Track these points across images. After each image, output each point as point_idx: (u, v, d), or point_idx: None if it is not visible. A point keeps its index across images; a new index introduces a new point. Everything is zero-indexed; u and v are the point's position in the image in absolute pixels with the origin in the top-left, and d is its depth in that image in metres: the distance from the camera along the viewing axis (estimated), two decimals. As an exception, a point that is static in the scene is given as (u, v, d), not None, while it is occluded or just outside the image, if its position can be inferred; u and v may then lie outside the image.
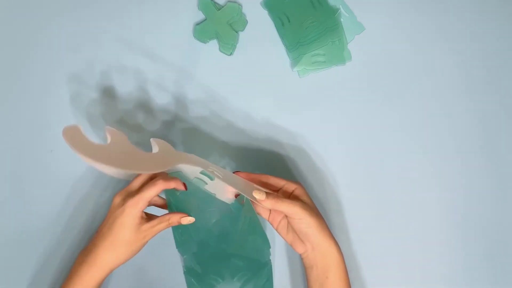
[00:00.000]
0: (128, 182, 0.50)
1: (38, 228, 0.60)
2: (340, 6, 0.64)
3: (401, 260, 0.62)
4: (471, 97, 0.65)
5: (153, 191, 0.48)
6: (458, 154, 0.64)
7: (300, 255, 0.52)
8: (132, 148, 0.49)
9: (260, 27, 0.65)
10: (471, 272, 0.62)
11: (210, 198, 0.53)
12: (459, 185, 0.63)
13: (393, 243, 0.62)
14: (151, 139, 0.52)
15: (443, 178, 0.63)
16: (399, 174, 0.63)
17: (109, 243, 0.48)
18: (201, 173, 0.51)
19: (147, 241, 0.49)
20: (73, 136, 0.44)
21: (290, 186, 0.53)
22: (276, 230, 0.54)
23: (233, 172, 0.53)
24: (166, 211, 0.52)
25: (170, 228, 0.51)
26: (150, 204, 0.50)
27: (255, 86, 0.64)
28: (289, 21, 0.64)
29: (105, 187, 0.61)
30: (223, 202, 0.54)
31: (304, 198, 0.52)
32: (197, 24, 0.64)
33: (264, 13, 0.65)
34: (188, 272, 0.57)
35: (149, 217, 0.50)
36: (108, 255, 0.48)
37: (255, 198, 0.50)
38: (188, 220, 0.49)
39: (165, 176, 0.50)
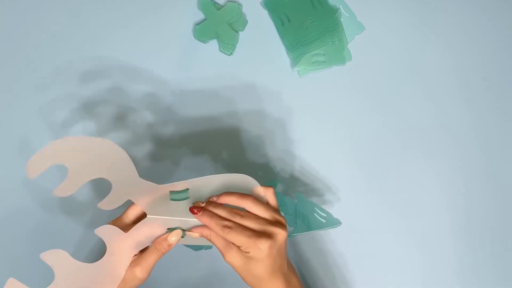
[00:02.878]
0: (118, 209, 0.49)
1: (38, 229, 0.60)
2: (340, 6, 0.64)
3: (401, 261, 0.62)
4: (472, 97, 0.65)
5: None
6: (458, 154, 0.64)
7: None
8: (77, 266, 0.46)
9: (260, 27, 0.65)
10: (473, 272, 0.62)
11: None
12: (460, 185, 0.63)
13: (393, 244, 0.62)
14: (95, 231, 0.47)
15: (444, 178, 0.63)
16: (399, 174, 0.63)
17: None
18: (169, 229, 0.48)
19: (146, 276, 0.47)
20: None
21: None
22: None
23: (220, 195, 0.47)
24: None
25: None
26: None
27: (255, 86, 0.64)
28: (289, 21, 0.64)
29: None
30: None
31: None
32: (197, 24, 0.64)
33: (264, 13, 0.65)
34: None
35: (141, 251, 0.48)
36: None
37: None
38: (176, 234, 0.47)
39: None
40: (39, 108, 0.62)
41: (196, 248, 0.60)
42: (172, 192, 0.48)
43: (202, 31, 0.64)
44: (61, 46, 0.63)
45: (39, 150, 0.43)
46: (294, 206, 0.61)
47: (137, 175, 0.47)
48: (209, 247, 0.59)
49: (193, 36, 0.64)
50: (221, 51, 0.64)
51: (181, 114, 0.63)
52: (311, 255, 0.62)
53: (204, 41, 0.64)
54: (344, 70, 0.64)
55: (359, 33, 0.65)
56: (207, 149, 0.63)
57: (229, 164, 0.63)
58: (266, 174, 0.62)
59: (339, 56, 0.64)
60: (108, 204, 0.47)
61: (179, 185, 0.48)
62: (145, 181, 0.47)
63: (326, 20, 0.64)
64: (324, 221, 0.61)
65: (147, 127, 0.62)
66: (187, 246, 0.59)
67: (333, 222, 0.61)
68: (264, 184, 0.49)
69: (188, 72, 0.64)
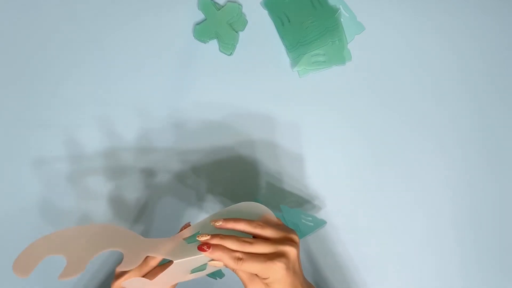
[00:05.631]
0: None
1: (36, 229, 0.60)
2: (340, 6, 0.64)
3: (402, 262, 0.62)
4: (472, 96, 0.65)
5: None
6: (459, 153, 0.64)
7: None
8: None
9: (260, 27, 0.65)
10: (477, 270, 0.62)
11: None
12: (461, 184, 0.63)
13: (393, 244, 0.62)
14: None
15: (444, 177, 0.63)
16: (400, 174, 0.63)
17: None
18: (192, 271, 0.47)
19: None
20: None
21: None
22: None
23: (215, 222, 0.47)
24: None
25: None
26: None
27: (255, 86, 0.64)
28: (289, 21, 0.64)
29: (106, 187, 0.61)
30: None
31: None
32: (197, 24, 0.64)
33: (264, 13, 0.65)
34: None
35: None
36: None
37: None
38: None
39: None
40: (40, 112, 0.62)
41: (210, 275, 0.59)
42: (185, 239, 0.47)
43: (202, 31, 0.64)
44: (60, 47, 0.63)
45: (27, 246, 0.40)
46: (282, 219, 0.60)
47: (140, 237, 0.46)
48: (222, 276, 0.59)
49: (193, 36, 0.64)
50: (221, 51, 0.64)
51: (180, 114, 0.63)
52: (315, 257, 0.62)
53: (204, 41, 0.64)
54: (344, 70, 0.64)
55: (359, 33, 0.65)
56: (203, 149, 0.63)
57: (226, 164, 0.63)
58: (251, 188, 0.63)
59: (339, 56, 0.64)
60: (126, 266, 0.45)
61: (188, 232, 0.47)
62: (152, 239, 0.46)
63: (326, 20, 0.64)
64: (311, 224, 0.61)
65: (146, 128, 0.62)
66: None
67: (319, 223, 0.61)
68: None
69: (188, 72, 0.64)
